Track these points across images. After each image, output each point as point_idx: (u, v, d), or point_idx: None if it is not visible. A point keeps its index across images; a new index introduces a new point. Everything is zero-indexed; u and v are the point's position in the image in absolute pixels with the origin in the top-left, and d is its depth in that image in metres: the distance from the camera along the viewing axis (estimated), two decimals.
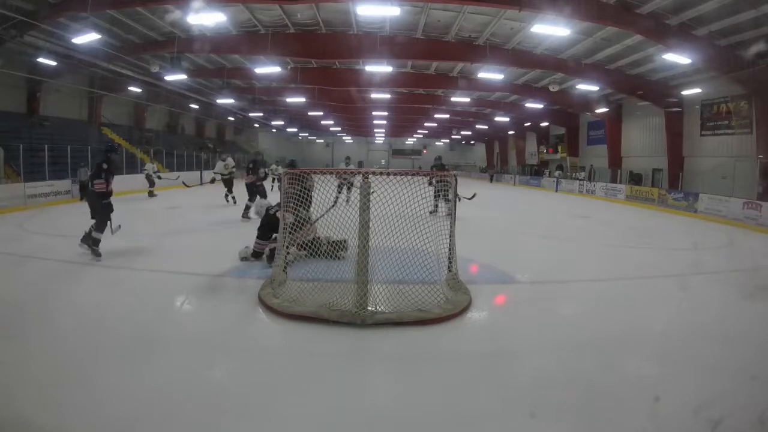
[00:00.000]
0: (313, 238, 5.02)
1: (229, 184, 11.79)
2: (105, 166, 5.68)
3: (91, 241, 5.55)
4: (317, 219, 4.87)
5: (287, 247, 4.47)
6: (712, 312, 4.25)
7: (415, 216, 3.93)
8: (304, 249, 5.03)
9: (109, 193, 5.65)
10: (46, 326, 3.38)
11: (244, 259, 5.51)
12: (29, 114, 17.31)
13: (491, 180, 33.33)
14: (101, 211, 5.58)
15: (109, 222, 5.65)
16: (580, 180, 22.26)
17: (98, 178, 5.63)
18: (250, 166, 9.45)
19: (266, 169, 11.27)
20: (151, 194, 14.17)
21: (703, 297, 4.75)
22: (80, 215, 9.72)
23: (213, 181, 12.48)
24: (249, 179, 9.21)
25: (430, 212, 4.59)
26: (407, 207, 3.94)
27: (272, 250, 5.19)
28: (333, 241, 4.72)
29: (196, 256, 5.91)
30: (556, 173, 26.11)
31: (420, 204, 3.98)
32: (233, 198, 11.65)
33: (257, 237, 5.49)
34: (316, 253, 4.70)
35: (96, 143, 17.17)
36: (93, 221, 5.63)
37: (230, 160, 12.02)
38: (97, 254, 5.52)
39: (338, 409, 2.41)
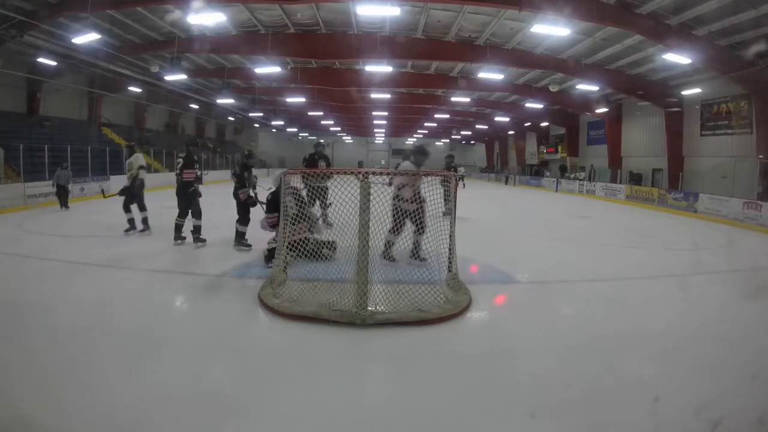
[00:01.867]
0: (301, 238, 4.90)
1: (131, 195, 7.25)
2: (196, 158, 6.50)
3: (195, 230, 6.38)
4: (317, 219, 4.86)
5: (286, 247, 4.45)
6: (712, 312, 4.25)
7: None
8: (292, 249, 4.76)
9: (194, 182, 6.41)
10: (46, 326, 3.37)
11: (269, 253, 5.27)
12: (29, 114, 17.33)
13: (506, 182, 30.82)
14: (191, 197, 6.37)
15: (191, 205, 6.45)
16: (580, 180, 22.28)
17: (191, 168, 6.37)
18: (236, 171, 6.45)
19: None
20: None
21: (703, 297, 4.75)
22: (79, 216, 9.77)
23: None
24: (243, 194, 6.23)
25: (444, 214, 4.53)
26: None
27: (271, 250, 5.18)
28: (321, 241, 4.70)
29: (196, 256, 5.91)
30: (547, 173, 26.63)
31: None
32: (142, 222, 7.32)
33: (266, 212, 5.59)
34: (303, 253, 4.61)
35: (96, 143, 17.19)
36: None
37: (138, 158, 7.38)
38: (203, 240, 6.37)
39: (338, 409, 2.41)
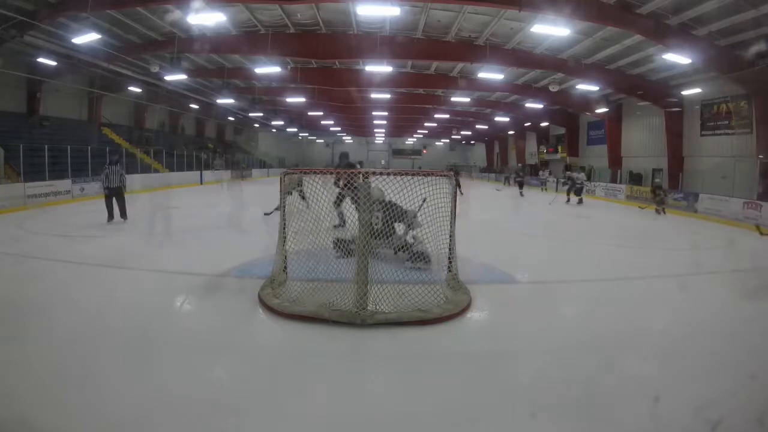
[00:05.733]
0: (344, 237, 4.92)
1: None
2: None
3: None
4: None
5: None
6: (712, 312, 4.24)
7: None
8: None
9: None
10: (46, 326, 3.37)
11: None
12: (29, 114, 17.32)
13: (521, 188, 20.10)
14: None
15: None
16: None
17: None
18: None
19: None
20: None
21: (703, 297, 4.75)
22: (79, 216, 9.76)
23: None
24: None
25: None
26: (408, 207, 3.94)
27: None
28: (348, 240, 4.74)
29: (196, 256, 5.91)
30: (547, 173, 26.71)
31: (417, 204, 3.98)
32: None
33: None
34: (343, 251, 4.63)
35: (96, 143, 17.17)
36: None
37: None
38: None
39: (338, 409, 2.41)
